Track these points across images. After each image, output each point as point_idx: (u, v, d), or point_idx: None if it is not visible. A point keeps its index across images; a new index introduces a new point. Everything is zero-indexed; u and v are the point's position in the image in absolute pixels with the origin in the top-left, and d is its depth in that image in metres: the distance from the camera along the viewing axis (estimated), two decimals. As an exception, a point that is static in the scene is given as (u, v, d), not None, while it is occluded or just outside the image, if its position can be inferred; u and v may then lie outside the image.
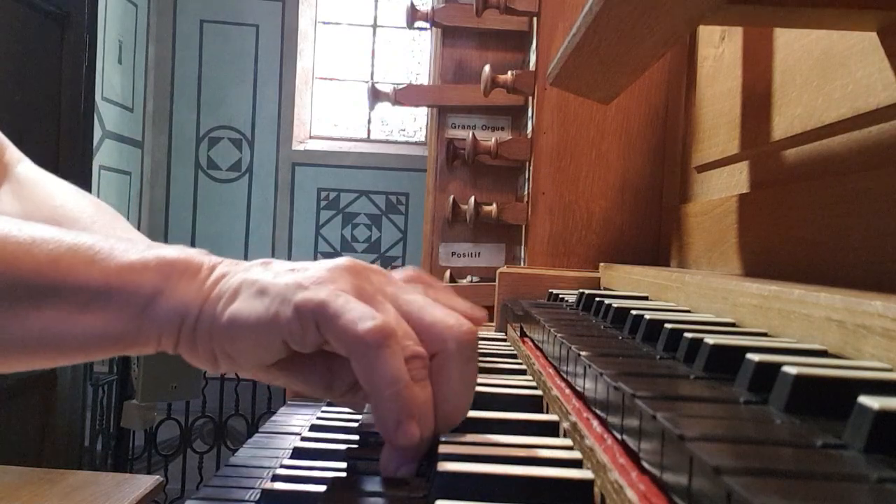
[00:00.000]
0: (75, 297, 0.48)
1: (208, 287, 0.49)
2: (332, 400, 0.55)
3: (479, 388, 0.61)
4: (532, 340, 0.76)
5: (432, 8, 1.54)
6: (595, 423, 0.46)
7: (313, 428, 0.64)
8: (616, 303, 0.69)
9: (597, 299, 0.76)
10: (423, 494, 0.43)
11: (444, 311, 0.50)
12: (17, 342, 0.49)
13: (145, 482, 1.89)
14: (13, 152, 0.83)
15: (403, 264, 4.69)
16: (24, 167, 0.83)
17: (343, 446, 0.54)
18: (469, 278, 1.54)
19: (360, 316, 0.45)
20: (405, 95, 1.56)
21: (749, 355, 0.40)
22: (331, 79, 4.90)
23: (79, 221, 0.76)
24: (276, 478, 0.51)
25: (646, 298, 0.82)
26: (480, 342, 0.92)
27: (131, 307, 0.49)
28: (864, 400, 0.29)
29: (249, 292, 0.48)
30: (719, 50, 0.99)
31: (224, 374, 3.52)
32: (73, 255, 0.49)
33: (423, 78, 4.70)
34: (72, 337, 0.49)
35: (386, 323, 0.46)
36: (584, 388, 0.49)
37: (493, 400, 0.60)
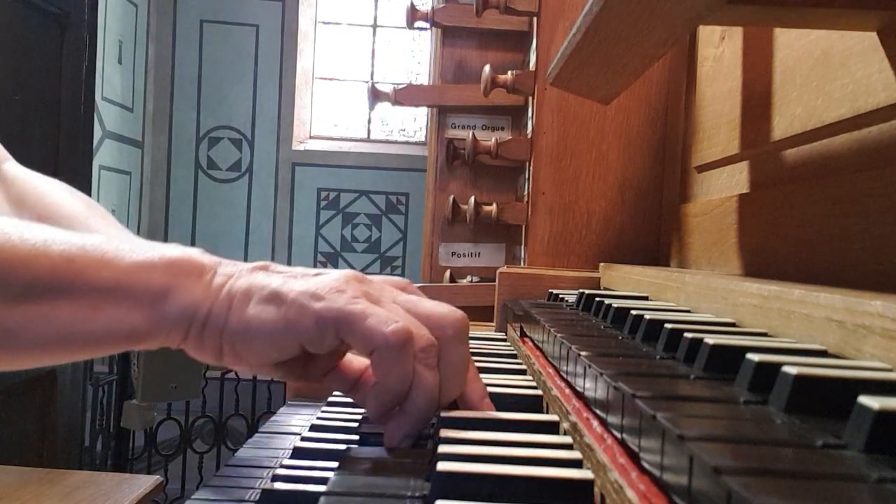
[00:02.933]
0: (89, 295, 0.51)
1: (215, 288, 0.53)
2: (305, 381, 0.60)
3: (479, 388, 0.61)
4: (532, 340, 0.76)
5: (432, 8, 1.54)
6: (595, 422, 0.46)
7: (313, 428, 0.64)
8: (616, 303, 0.69)
9: (597, 299, 0.75)
10: (423, 494, 0.43)
11: (435, 303, 0.56)
12: (35, 339, 0.51)
13: (145, 482, 1.89)
14: None
15: (403, 264, 4.69)
16: (11, 166, 0.83)
17: (343, 446, 0.54)
18: (469, 278, 1.54)
19: (384, 320, 0.51)
20: (405, 95, 1.56)
21: (749, 355, 0.40)
22: (331, 79, 4.90)
23: (72, 219, 0.77)
24: (276, 478, 0.51)
25: (646, 298, 0.82)
26: (480, 342, 0.92)
27: (142, 304, 0.52)
28: (864, 400, 0.29)
29: (261, 296, 0.52)
30: (719, 50, 0.99)
31: (224, 373, 3.52)
32: (85, 255, 0.51)
33: (423, 78, 4.70)
34: (87, 332, 0.51)
35: (405, 325, 0.51)
36: (584, 387, 0.49)
37: (493, 400, 0.60)
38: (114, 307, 0.51)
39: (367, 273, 0.62)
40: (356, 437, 0.59)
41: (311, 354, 0.54)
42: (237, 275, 0.54)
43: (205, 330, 0.52)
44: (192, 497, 0.50)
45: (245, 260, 0.57)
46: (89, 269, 0.51)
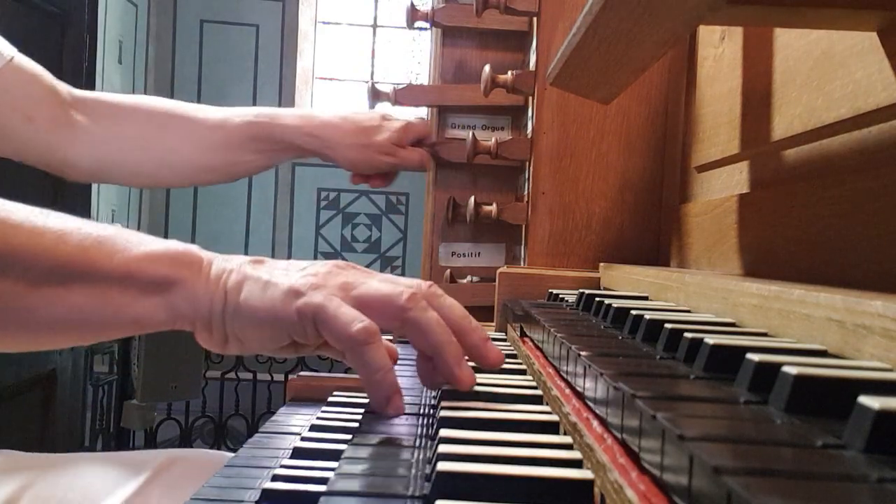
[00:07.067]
0: (101, 282, 0.57)
1: (213, 281, 0.59)
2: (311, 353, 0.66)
3: (478, 388, 0.61)
4: (532, 340, 0.76)
5: (432, 8, 1.54)
6: (595, 422, 0.46)
7: (313, 428, 0.64)
8: (616, 303, 0.69)
9: (597, 299, 0.75)
10: (423, 494, 0.43)
11: (409, 279, 0.63)
12: (51, 319, 0.57)
13: (145, 482, 1.89)
14: (59, 85, 1.01)
15: (404, 264, 4.70)
16: (80, 93, 1.00)
17: (343, 446, 0.55)
18: (469, 278, 1.54)
19: (351, 319, 0.56)
20: (405, 95, 1.56)
21: (749, 355, 0.40)
22: (331, 79, 4.90)
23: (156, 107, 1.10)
24: (276, 478, 0.51)
25: (646, 298, 0.82)
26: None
27: (147, 293, 0.58)
28: (864, 400, 0.29)
29: (252, 289, 0.58)
30: (719, 50, 0.98)
31: (224, 373, 3.52)
32: (99, 245, 0.58)
33: (423, 78, 4.70)
34: (97, 315, 0.58)
35: (370, 324, 0.56)
36: (584, 387, 0.49)
37: (493, 399, 0.60)
38: (122, 294, 0.58)
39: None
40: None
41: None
42: (228, 269, 0.60)
43: (212, 321, 0.59)
44: (192, 497, 0.50)
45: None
46: (101, 259, 0.57)
